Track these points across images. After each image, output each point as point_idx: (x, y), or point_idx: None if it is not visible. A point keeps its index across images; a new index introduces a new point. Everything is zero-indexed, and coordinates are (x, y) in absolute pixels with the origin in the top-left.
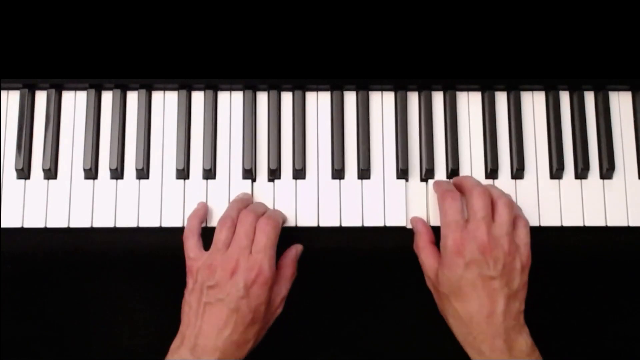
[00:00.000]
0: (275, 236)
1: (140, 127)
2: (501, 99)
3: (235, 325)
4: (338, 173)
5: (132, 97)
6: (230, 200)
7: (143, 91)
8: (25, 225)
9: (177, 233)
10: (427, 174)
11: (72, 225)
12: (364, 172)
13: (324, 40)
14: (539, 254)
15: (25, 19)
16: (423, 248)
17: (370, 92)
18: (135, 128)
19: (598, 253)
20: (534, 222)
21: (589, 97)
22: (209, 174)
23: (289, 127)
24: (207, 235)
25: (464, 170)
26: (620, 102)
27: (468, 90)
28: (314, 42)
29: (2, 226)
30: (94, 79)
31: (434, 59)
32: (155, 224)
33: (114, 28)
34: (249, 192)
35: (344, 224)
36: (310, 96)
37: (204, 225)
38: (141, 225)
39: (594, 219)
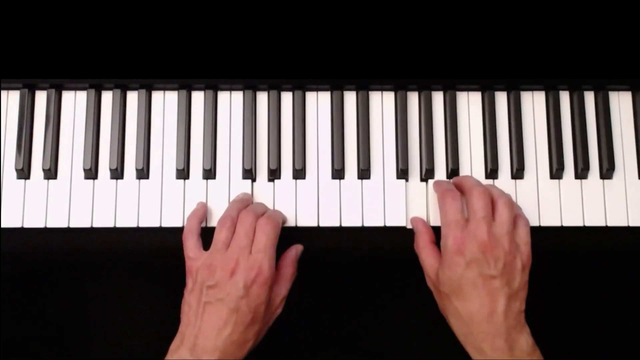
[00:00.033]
0: (275, 236)
1: (140, 127)
2: (501, 99)
3: (235, 325)
4: (338, 173)
5: (132, 97)
6: (230, 200)
7: (143, 91)
8: (25, 225)
9: (177, 233)
10: (427, 174)
11: (72, 225)
12: (364, 172)
13: (324, 40)
14: (539, 254)
15: (25, 19)
16: (423, 247)
17: (370, 92)
18: (135, 128)
19: (598, 253)
20: (534, 222)
21: (589, 97)
22: (209, 174)
23: (289, 127)
24: (207, 235)
25: (464, 170)
26: (620, 102)
27: (468, 90)
28: (314, 42)
29: (2, 226)
30: (94, 79)
31: (434, 59)
32: (155, 224)
33: (114, 28)
34: (249, 192)
35: (344, 224)
36: (310, 96)
37: (203, 225)
38: (141, 225)
39: (594, 219)
